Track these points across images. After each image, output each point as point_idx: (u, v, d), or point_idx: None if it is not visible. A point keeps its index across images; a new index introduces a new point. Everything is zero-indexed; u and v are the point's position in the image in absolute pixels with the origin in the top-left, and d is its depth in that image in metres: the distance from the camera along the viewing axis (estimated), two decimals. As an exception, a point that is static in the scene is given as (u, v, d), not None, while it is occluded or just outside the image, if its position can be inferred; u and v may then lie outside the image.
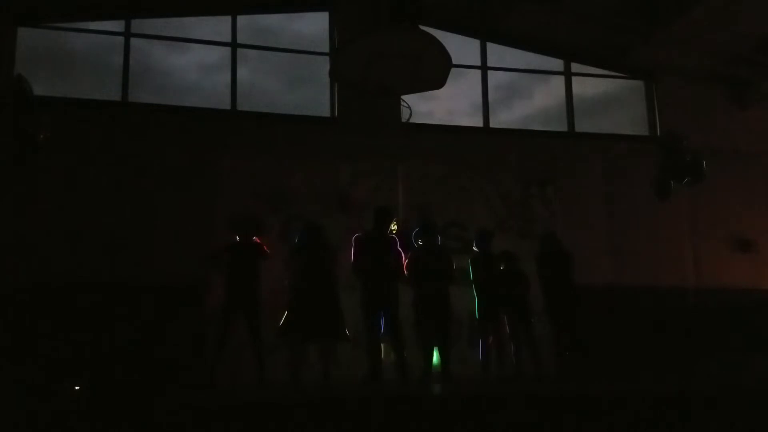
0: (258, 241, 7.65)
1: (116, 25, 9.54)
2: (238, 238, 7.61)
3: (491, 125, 10.60)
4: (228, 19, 9.92)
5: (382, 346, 7.36)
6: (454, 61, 7.86)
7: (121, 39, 9.50)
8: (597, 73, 11.21)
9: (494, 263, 8.17)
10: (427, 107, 10.31)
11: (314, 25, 10.31)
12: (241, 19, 10.00)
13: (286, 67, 10.18)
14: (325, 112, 10.06)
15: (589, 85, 11.22)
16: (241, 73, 9.90)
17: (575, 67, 11.10)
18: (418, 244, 7.83)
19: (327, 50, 10.20)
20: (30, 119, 7.47)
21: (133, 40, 9.57)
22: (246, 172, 8.91)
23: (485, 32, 10.68)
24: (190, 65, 10.05)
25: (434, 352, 7.56)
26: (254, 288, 7.43)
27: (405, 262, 7.50)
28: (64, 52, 9.38)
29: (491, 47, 10.78)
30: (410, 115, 8.95)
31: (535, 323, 8.17)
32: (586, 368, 7.94)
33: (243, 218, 7.73)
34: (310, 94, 10.14)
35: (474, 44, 10.71)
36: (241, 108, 9.73)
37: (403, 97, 8.84)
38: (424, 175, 9.49)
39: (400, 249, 7.51)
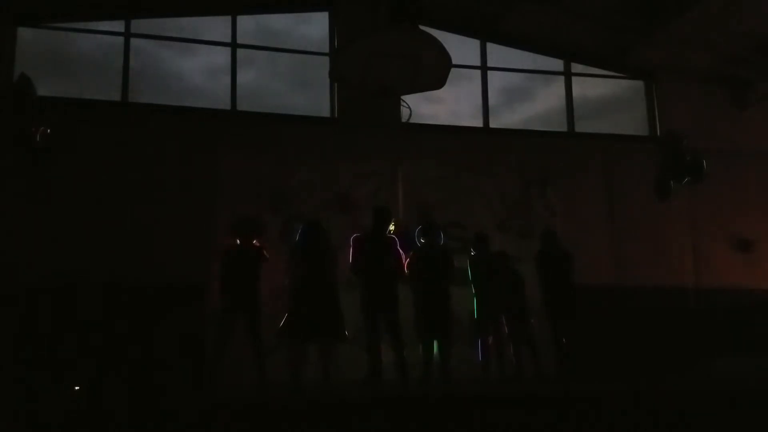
0: (258, 244, 7.65)
1: (116, 26, 9.54)
2: (238, 240, 7.62)
3: (492, 126, 10.60)
4: (236, 21, 9.93)
5: (382, 346, 7.37)
6: (454, 62, 7.86)
7: (123, 40, 9.50)
8: (597, 74, 11.21)
9: (492, 264, 8.18)
10: (430, 110, 10.34)
11: (319, 28, 10.32)
12: (248, 22, 10.03)
13: (291, 69, 10.19)
14: (325, 112, 10.06)
15: (590, 86, 11.22)
16: (247, 75, 9.93)
17: (575, 67, 11.10)
18: (420, 242, 7.85)
19: (327, 51, 10.20)
20: (31, 119, 7.47)
21: (139, 44, 9.57)
22: (246, 172, 8.92)
23: (485, 32, 10.68)
24: (196, 68, 10.07)
25: (434, 349, 7.58)
26: (254, 289, 7.44)
27: (406, 262, 7.52)
28: (64, 53, 9.38)
29: (491, 47, 10.78)
30: (410, 115, 8.95)
31: (535, 323, 8.18)
32: (586, 368, 7.95)
33: (244, 221, 7.73)
34: (312, 94, 10.15)
35: (474, 44, 10.72)
36: (241, 108, 9.73)
37: (404, 97, 8.84)
38: (424, 176, 9.50)
39: (400, 249, 7.53)
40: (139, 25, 9.59)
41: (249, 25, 10.05)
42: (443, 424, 5.05)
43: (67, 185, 8.58)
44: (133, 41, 9.55)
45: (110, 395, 5.86)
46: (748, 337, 9.59)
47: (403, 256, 7.54)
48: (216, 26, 9.94)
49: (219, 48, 9.91)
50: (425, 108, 10.05)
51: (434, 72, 7.85)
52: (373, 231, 7.54)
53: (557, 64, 11.09)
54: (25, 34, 9.24)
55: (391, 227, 7.89)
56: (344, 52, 8.46)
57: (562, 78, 11.07)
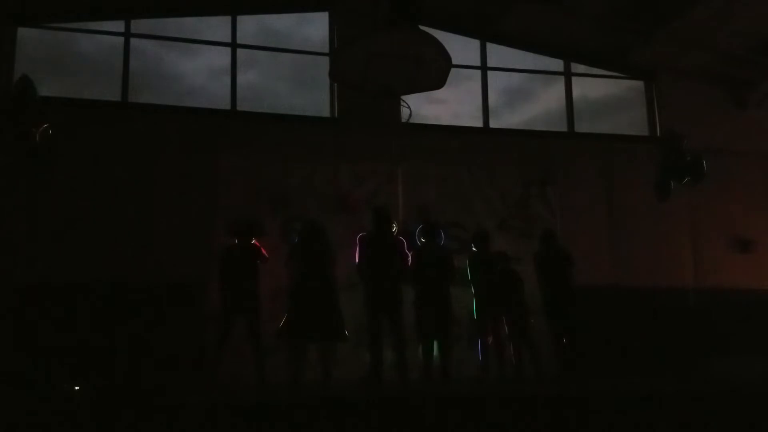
0: (257, 244, 7.66)
1: (117, 26, 9.54)
2: (237, 240, 7.63)
3: (492, 126, 10.60)
4: (237, 21, 9.93)
5: (383, 346, 7.38)
6: (454, 62, 7.85)
7: (123, 40, 9.49)
8: (597, 74, 11.20)
9: (492, 264, 8.18)
10: (433, 111, 10.35)
11: (319, 28, 10.31)
12: (249, 22, 10.02)
13: (291, 69, 10.18)
14: (325, 112, 10.07)
15: (590, 86, 11.21)
16: (248, 75, 9.95)
17: (575, 67, 11.10)
18: (420, 242, 7.86)
19: (327, 51, 10.20)
20: (31, 119, 7.47)
21: (139, 44, 9.55)
22: (246, 172, 8.92)
23: (485, 32, 10.67)
24: (196, 68, 10.03)
25: (434, 349, 7.59)
26: (253, 290, 7.46)
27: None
28: (64, 53, 9.38)
29: (491, 47, 10.77)
30: (410, 115, 8.95)
31: (534, 324, 8.18)
32: (586, 368, 7.95)
33: (242, 222, 7.75)
34: (312, 94, 10.14)
35: (474, 44, 10.71)
36: (241, 108, 9.73)
37: (405, 98, 8.84)
38: (425, 176, 9.49)
39: (407, 251, 7.56)
40: (139, 25, 9.59)
41: (249, 25, 10.05)
42: (443, 424, 5.06)
43: (67, 185, 8.58)
44: (133, 41, 9.54)
45: (110, 395, 5.86)
46: (748, 337, 9.59)
47: (409, 257, 7.57)
48: (216, 26, 9.93)
49: (219, 48, 9.90)
50: (426, 108, 10.07)
51: (434, 72, 7.84)
52: (377, 231, 7.56)
53: (557, 64, 11.08)
54: (25, 34, 9.24)
55: (393, 227, 7.89)
56: (344, 52, 8.45)
57: (562, 78, 11.06)
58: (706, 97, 11.11)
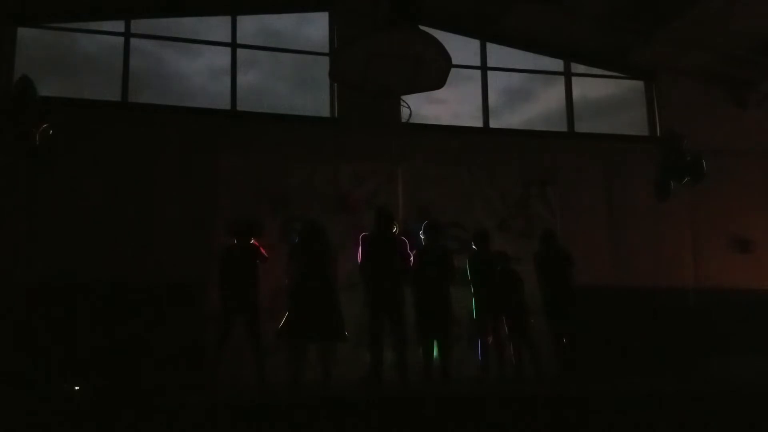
0: (256, 244, 7.67)
1: (117, 26, 9.54)
2: (236, 240, 7.63)
3: (492, 126, 10.60)
4: (237, 21, 9.94)
5: (383, 346, 7.38)
6: (454, 62, 7.86)
7: (123, 40, 9.49)
8: (597, 74, 11.20)
9: (492, 264, 8.18)
10: (433, 111, 10.36)
11: (319, 28, 10.33)
12: (249, 22, 10.03)
13: (291, 69, 10.19)
14: (325, 112, 10.07)
15: (590, 86, 11.21)
16: (248, 75, 9.96)
17: (575, 67, 11.10)
18: (422, 239, 7.87)
19: (327, 51, 10.21)
20: (31, 119, 7.48)
21: (139, 44, 9.56)
22: (246, 173, 8.91)
23: (485, 32, 10.68)
24: (196, 68, 10.05)
25: (434, 349, 7.60)
26: (254, 289, 7.45)
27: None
28: (64, 53, 9.38)
29: (491, 47, 10.77)
30: (410, 115, 8.95)
31: (534, 324, 8.18)
32: (586, 368, 7.95)
33: (242, 222, 7.75)
34: (312, 94, 10.15)
35: (474, 44, 10.72)
36: (241, 108, 9.73)
37: (405, 98, 8.84)
38: (425, 176, 9.49)
39: (408, 251, 7.56)
40: (139, 25, 9.59)
41: (250, 25, 10.06)
42: (443, 424, 5.06)
43: (68, 185, 8.59)
44: (133, 41, 9.55)
45: (110, 395, 5.86)
46: (748, 337, 9.59)
47: (411, 257, 7.58)
48: (216, 26, 9.94)
49: (220, 48, 9.92)
50: (426, 108, 10.08)
51: (434, 72, 7.84)
52: (378, 230, 7.56)
53: (557, 64, 11.08)
54: (25, 34, 9.24)
55: (395, 227, 7.90)
56: (344, 53, 8.45)
57: (562, 78, 11.06)
58: (706, 97, 11.12)
